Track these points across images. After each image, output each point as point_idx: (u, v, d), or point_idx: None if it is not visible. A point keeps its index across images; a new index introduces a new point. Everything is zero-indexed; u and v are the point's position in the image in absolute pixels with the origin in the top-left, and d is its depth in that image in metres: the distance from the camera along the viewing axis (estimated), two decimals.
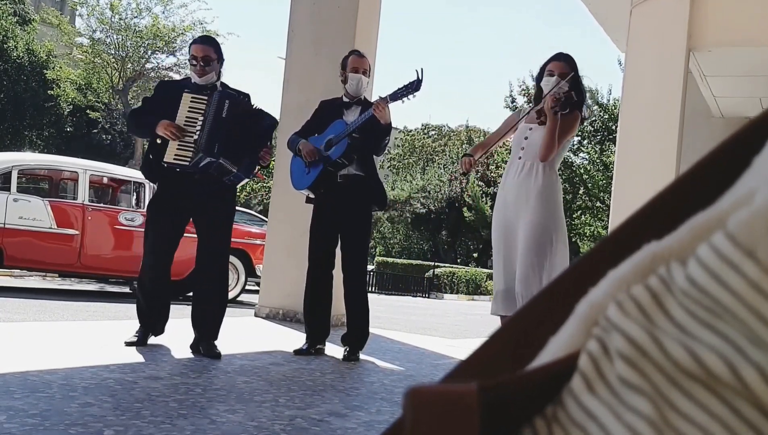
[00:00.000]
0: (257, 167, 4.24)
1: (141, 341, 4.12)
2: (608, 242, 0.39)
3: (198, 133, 3.98)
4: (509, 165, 4.05)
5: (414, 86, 4.10)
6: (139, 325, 4.22)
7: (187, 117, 4.01)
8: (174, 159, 3.97)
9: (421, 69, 4.09)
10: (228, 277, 4.36)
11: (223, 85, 4.26)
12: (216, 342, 4.13)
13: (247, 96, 4.31)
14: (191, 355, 4.04)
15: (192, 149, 3.97)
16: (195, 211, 4.12)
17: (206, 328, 4.15)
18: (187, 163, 3.97)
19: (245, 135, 4.07)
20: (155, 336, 4.24)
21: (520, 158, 3.95)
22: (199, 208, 4.10)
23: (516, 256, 3.88)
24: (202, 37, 4.37)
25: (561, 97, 3.83)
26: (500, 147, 4.54)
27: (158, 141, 4.03)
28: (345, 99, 4.48)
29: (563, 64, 3.96)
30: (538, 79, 4.10)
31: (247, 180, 4.32)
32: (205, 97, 4.05)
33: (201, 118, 4.00)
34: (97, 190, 9.08)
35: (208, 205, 4.10)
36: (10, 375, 3.04)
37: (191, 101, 4.03)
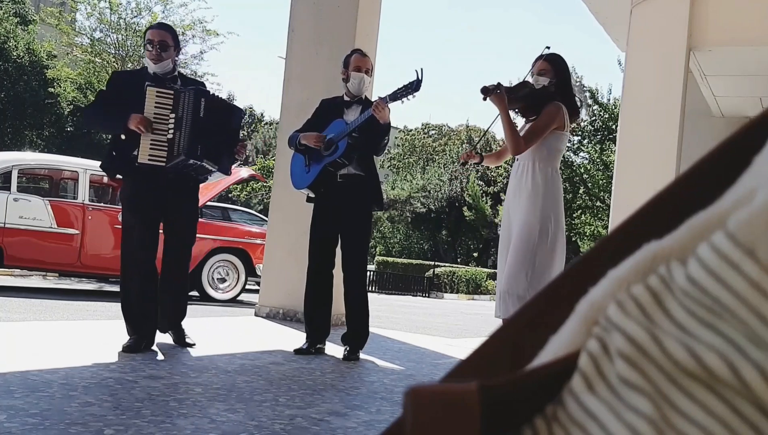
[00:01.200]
0: (234, 163, 4.29)
1: (135, 347, 3.94)
2: (608, 241, 0.39)
3: (172, 132, 3.88)
4: (512, 167, 4.11)
5: (414, 86, 4.10)
6: (128, 329, 4.05)
7: (155, 113, 3.89)
8: (149, 159, 3.87)
9: (421, 69, 4.09)
10: (189, 263, 4.39)
11: (181, 75, 4.21)
12: (185, 326, 4.28)
13: (202, 84, 4.32)
14: (191, 354, 4.04)
15: (166, 148, 3.88)
16: (167, 206, 4.06)
17: (172, 314, 4.25)
18: (164, 164, 3.89)
19: (221, 132, 4.03)
20: (149, 346, 4.04)
21: (516, 159, 4.01)
22: (171, 203, 4.07)
23: None
24: (159, 23, 4.30)
25: (483, 87, 3.94)
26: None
27: (123, 136, 3.91)
28: (346, 98, 4.48)
29: (541, 63, 4.06)
30: None
31: (225, 176, 4.36)
32: (171, 92, 3.94)
33: (172, 115, 3.90)
34: (97, 189, 9.08)
35: (179, 201, 4.12)
36: (11, 374, 3.04)
37: (157, 95, 3.91)
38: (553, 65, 4.03)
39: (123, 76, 4.33)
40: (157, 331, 4.19)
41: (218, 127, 4.00)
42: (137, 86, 3.93)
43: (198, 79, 23.14)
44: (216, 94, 4.16)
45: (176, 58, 4.15)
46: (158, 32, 4.06)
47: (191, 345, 4.22)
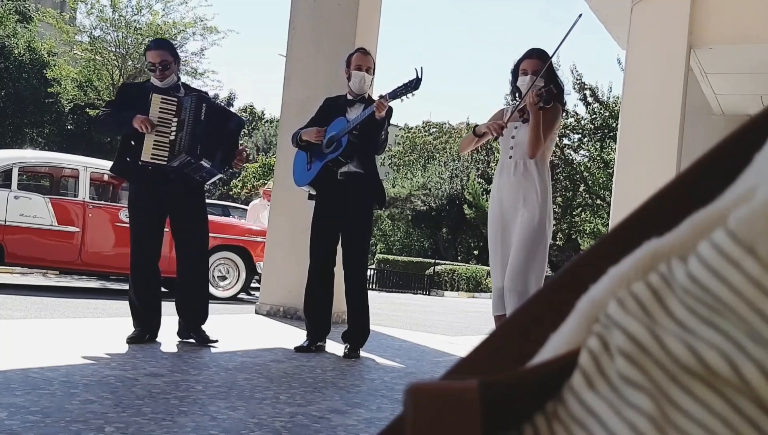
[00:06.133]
0: (227, 167, 4.45)
1: (139, 338, 4.17)
2: (609, 239, 0.39)
3: (174, 133, 4.16)
4: (500, 165, 4.10)
5: (413, 85, 4.10)
6: (135, 323, 4.29)
7: (159, 117, 4.17)
8: (151, 158, 4.13)
9: (421, 68, 4.09)
10: (208, 264, 4.58)
11: (185, 85, 4.47)
12: (204, 327, 4.36)
13: (205, 93, 4.55)
14: (192, 353, 4.05)
15: (167, 149, 4.15)
16: (170, 206, 4.28)
17: (194, 315, 4.35)
18: (164, 163, 4.14)
19: (218, 133, 4.26)
20: (152, 339, 4.26)
21: (510, 157, 4.00)
22: (175, 202, 4.25)
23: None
24: (155, 42, 4.47)
25: (542, 93, 3.83)
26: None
27: (132, 142, 4.18)
28: (349, 96, 4.49)
29: (536, 61, 4.00)
30: (514, 78, 4.12)
31: (220, 175, 4.49)
32: (175, 99, 4.21)
33: (175, 120, 4.17)
34: (97, 187, 9.07)
35: (183, 200, 4.27)
36: (11, 372, 3.04)
37: (162, 102, 4.18)
38: (544, 62, 4.00)
39: (131, 87, 4.69)
40: (163, 327, 4.33)
41: (217, 130, 4.25)
42: (144, 96, 4.19)
43: (199, 74, 23.09)
44: (216, 101, 4.43)
45: (178, 69, 4.41)
46: (157, 53, 4.28)
47: (214, 342, 4.30)
